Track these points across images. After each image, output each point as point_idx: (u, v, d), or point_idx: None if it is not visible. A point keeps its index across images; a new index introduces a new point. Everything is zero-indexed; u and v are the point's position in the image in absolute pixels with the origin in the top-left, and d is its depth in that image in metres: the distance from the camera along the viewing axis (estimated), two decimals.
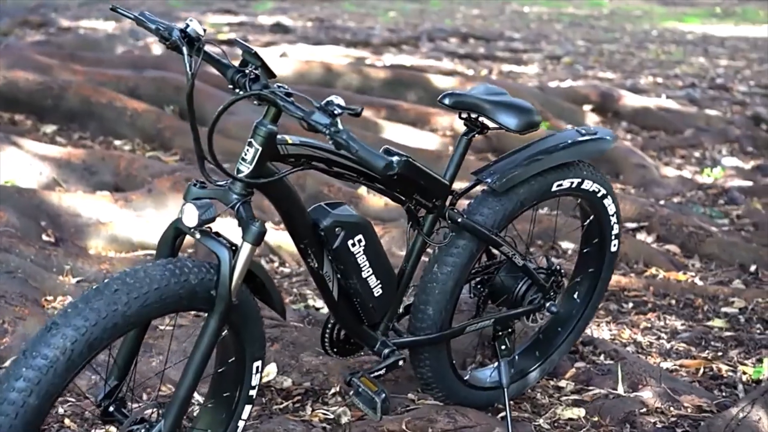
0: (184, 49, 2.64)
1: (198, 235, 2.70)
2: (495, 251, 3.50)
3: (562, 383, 3.89)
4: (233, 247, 2.71)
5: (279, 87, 2.64)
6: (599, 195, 3.60)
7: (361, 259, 3.05)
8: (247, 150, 2.70)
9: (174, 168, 5.78)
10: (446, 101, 3.19)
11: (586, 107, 8.19)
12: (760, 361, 4.16)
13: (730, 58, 12.91)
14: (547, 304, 3.58)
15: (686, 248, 5.36)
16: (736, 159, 7.31)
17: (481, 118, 3.27)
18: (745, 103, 9.33)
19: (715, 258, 5.25)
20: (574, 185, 3.49)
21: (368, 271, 3.09)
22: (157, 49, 9.74)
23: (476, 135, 3.30)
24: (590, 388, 3.83)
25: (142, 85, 7.51)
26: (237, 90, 2.67)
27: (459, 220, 3.24)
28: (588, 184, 3.54)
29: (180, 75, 7.71)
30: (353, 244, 3.02)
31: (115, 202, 5.24)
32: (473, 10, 17.41)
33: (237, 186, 2.72)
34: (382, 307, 3.20)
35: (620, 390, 3.78)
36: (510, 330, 3.58)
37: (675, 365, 4.12)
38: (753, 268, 5.16)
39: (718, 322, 4.54)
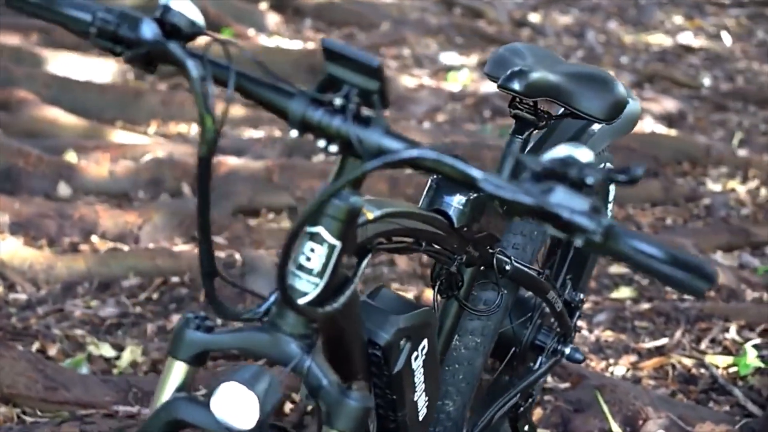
0: (189, 65, 1.23)
1: None
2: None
3: None
4: None
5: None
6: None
7: (419, 376, 1.75)
8: (311, 249, 1.31)
9: None
10: (516, 86, 1.87)
11: (263, 5, 6.86)
12: (714, 341, 3.30)
13: None
14: (567, 350, 2.43)
15: None
16: (455, 54, 6.33)
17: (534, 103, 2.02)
18: None
19: None
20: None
21: (421, 389, 1.79)
22: None
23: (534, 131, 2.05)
24: None
25: None
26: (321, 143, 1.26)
27: (508, 267, 2.00)
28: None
29: None
30: (416, 358, 1.71)
31: None
32: None
33: (292, 321, 1.35)
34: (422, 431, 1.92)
35: None
36: (533, 400, 2.42)
37: (630, 370, 3.15)
38: None
39: (624, 292, 3.60)
